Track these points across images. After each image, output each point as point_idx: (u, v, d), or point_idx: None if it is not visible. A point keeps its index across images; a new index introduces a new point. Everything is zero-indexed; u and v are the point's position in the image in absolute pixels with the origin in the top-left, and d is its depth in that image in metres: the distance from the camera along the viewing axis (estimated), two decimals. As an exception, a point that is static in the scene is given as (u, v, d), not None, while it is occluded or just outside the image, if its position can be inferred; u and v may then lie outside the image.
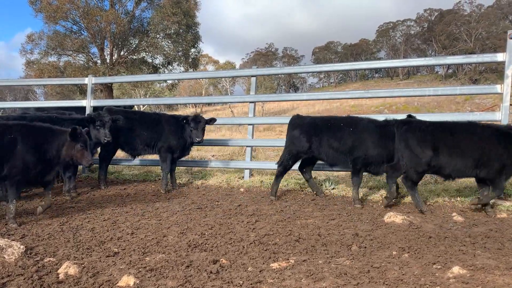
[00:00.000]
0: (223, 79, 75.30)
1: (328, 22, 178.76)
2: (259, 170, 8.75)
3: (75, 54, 33.55)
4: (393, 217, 5.06)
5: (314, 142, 6.31)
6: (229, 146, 10.60)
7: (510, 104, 6.45)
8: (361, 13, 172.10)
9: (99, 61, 33.75)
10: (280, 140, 9.29)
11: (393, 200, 6.00)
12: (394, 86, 67.79)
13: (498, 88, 6.60)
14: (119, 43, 33.36)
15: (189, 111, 43.13)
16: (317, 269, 3.43)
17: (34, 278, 3.17)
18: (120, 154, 8.44)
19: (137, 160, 8.57)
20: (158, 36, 33.91)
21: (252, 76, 8.53)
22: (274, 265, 3.52)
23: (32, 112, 8.17)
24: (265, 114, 36.64)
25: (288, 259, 3.68)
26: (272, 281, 3.20)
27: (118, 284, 3.10)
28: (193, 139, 7.30)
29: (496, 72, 54.37)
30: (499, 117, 6.49)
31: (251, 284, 3.13)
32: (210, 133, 20.39)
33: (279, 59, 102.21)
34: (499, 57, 6.61)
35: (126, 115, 7.34)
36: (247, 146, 8.47)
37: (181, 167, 8.98)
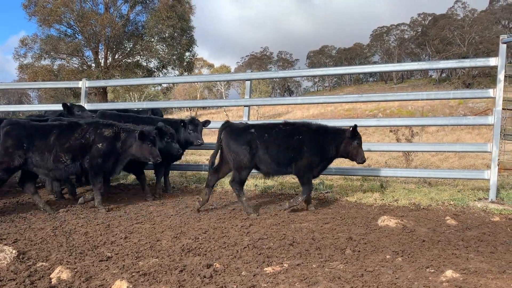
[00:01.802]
0: (218, 82, 75.36)
1: (322, 26, 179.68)
2: (253, 174, 8.72)
3: (69, 58, 33.46)
4: (387, 221, 5.07)
5: None
6: (223, 149, 10.53)
7: (503, 108, 6.51)
8: (355, 18, 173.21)
9: (93, 65, 33.68)
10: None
11: None
12: (388, 90, 68.29)
13: (490, 92, 6.65)
14: (114, 46, 33.33)
15: (184, 115, 43.08)
16: (311, 273, 3.43)
17: (26, 283, 3.14)
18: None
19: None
20: (152, 39, 33.93)
21: (247, 80, 8.53)
22: (268, 269, 3.51)
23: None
24: (260, 118, 36.66)
25: (282, 263, 3.68)
26: (266, 285, 3.19)
27: (111, 289, 3.09)
28: (194, 141, 7.33)
29: (489, 76, 54.85)
30: (491, 121, 6.54)
31: (245, 288, 3.13)
32: (205, 137, 20.32)
33: (274, 62, 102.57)
34: (492, 61, 6.66)
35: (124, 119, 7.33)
36: (241, 150, 8.43)
37: (175, 171, 8.96)
